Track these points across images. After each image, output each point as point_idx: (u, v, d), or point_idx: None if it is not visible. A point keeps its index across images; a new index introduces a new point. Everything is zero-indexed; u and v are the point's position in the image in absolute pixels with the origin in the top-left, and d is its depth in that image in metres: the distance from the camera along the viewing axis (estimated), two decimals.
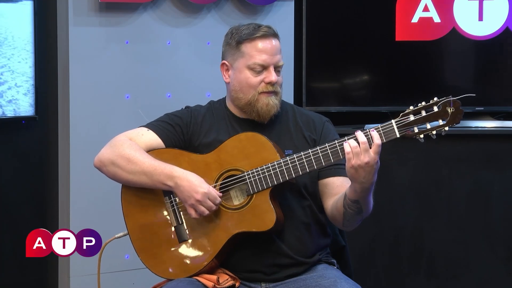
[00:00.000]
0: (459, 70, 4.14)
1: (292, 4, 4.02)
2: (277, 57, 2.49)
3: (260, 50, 2.47)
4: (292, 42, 4.01)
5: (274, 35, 2.50)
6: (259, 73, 2.48)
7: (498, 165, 3.99)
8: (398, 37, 4.08)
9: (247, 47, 2.48)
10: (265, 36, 2.48)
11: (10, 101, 3.50)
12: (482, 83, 4.12)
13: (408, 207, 4.02)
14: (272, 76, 2.47)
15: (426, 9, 4.06)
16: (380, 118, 4.07)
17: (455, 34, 4.06)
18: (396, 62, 4.13)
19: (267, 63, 2.47)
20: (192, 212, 2.41)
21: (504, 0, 4.04)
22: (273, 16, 3.95)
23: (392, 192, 3.98)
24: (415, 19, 4.07)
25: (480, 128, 3.99)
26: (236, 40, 2.50)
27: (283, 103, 2.59)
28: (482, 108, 4.03)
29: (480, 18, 4.05)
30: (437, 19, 4.06)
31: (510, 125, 4.01)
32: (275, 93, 2.49)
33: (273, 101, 2.48)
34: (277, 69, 2.50)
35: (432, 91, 4.05)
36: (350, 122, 4.03)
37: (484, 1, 4.04)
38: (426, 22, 4.07)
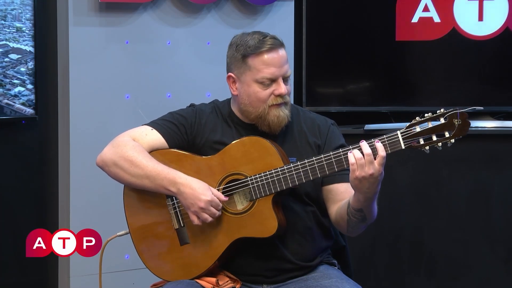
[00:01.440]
0: (459, 70, 4.14)
1: (292, 4, 4.02)
2: (284, 67, 2.43)
3: (267, 63, 2.41)
4: (292, 42, 4.01)
5: (280, 45, 2.44)
6: (268, 86, 2.42)
7: (498, 165, 3.99)
8: (398, 37, 4.08)
9: (253, 61, 2.41)
10: (271, 48, 2.41)
11: (10, 101, 3.50)
12: (482, 83, 4.12)
13: (408, 207, 4.02)
14: (282, 88, 2.42)
15: (426, 9, 4.05)
16: (381, 118, 4.07)
17: (455, 34, 4.06)
18: (396, 62, 4.13)
19: (276, 76, 2.41)
20: (194, 219, 2.39)
21: (504, 0, 4.03)
22: (273, 16, 3.94)
23: (392, 192, 3.97)
24: (415, 19, 4.06)
25: (480, 128, 3.99)
26: (241, 54, 2.43)
27: None
28: (482, 108, 4.02)
29: (480, 18, 4.05)
30: (437, 19, 4.06)
31: (510, 125, 4.01)
32: (285, 103, 2.44)
33: (283, 112, 2.44)
34: (285, 79, 2.44)
35: (432, 91, 4.10)
36: (350, 122, 4.03)
37: (484, 1, 4.04)
38: (426, 22, 4.06)
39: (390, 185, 3.95)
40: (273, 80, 2.42)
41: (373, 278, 4.02)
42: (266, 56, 2.41)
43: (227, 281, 2.43)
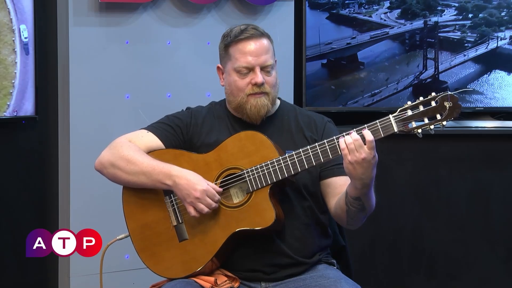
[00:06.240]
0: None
1: (292, 4, 4.02)
2: (262, 57, 2.47)
3: (244, 52, 2.47)
4: (292, 42, 4.01)
5: (261, 35, 2.49)
6: (245, 75, 2.47)
7: (498, 165, 3.99)
8: None
9: (233, 50, 2.49)
10: (249, 37, 2.47)
11: (10, 101, 3.50)
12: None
13: (408, 207, 4.02)
14: (258, 77, 2.46)
15: None
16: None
17: None
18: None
19: (252, 65, 2.46)
20: (191, 210, 2.41)
21: None
22: (273, 16, 3.95)
23: (392, 192, 3.98)
24: None
25: (480, 128, 3.99)
26: (224, 44, 2.51)
27: (284, 104, 2.59)
28: (482, 108, 4.03)
29: None
30: None
31: (510, 125, 4.01)
32: (264, 93, 2.48)
33: (261, 101, 2.47)
34: (266, 69, 2.48)
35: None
36: (350, 122, 4.03)
37: None
38: None
39: (390, 185, 3.95)
40: (250, 69, 2.47)
41: (373, 278, 4.02)
42: (242, 45, 2.47)
43: (225, 280, 2.44)
